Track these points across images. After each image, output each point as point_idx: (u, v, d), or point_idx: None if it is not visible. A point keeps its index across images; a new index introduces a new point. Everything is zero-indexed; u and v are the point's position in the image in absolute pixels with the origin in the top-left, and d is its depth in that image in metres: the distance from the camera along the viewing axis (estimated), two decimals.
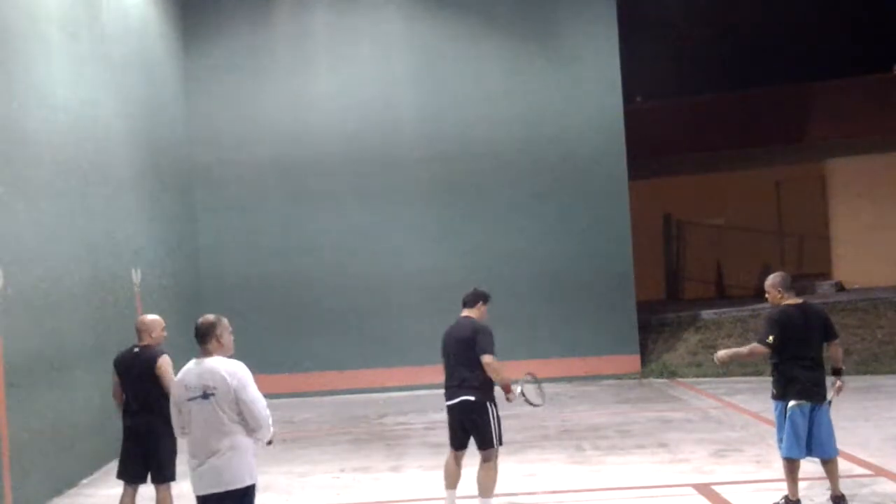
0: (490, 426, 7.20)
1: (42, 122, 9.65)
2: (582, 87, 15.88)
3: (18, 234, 8.88)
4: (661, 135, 20.43)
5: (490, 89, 15.90)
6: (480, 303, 7.51)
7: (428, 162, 15.78)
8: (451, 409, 7.31)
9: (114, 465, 10.45)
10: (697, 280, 21.43)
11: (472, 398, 7.15)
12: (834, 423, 10.49)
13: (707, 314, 17.33)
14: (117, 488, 9.48)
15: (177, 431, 5.44)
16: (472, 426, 7.25)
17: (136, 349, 7.29)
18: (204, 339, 5.37)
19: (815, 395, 7.15)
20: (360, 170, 15.74)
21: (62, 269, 9.79)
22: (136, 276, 12.12)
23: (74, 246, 10.21)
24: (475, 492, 7.49)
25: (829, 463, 7.18)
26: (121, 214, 11.82)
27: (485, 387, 7.19)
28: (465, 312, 7.47)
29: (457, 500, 7.54)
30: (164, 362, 7.10)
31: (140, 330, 7.32)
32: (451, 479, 7.48)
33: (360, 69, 15.92)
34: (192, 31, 15.68)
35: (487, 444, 7.22)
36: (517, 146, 15.79)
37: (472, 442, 7.43)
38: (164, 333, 7.38)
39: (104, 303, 10.91)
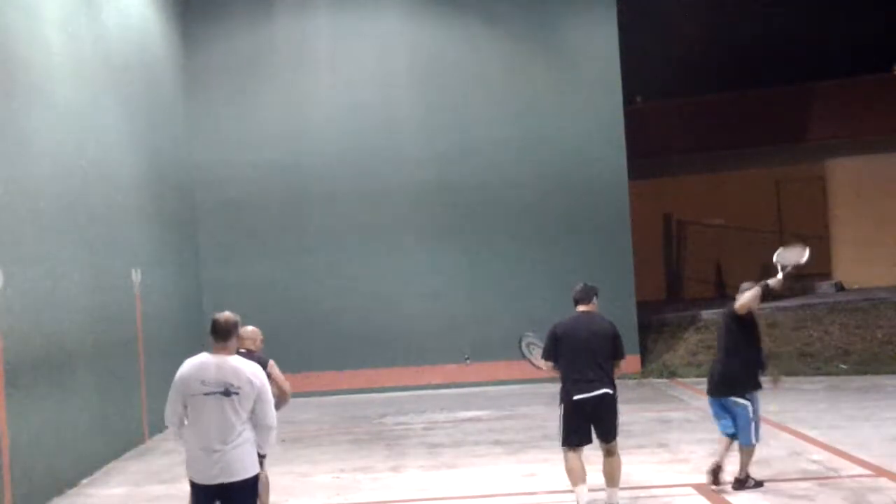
0: (617, 419, 7.37)
1: (42, 122, 9.65)
2: (582, 87, 15.88)
3: (18, 234, 8.88)
4: (661, 135, 20.44)
5: (490, 90, 15.90)
6: (594, 297, 7.73)
7: (427, 162, 15.77)
8: (584, 402, 7.16)
9: (114, 465, 10.50)
10: (697, 280, 21.42)
11: (611, 391, 7.24)
12: (834, 422, 10.55)
13: (707, 314, 17.32)
14: (117, 488, 9.50)
15: (173, 420, 5.55)
16: (603, 418, 7.25)
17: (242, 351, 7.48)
18: (227, 336, 5.54)
19: (716, 390, 7.95)
20: (360, 170, 15.74)
21: (62, 269, 9.79)
22: (136, 276, 12.12)
23: (74, 246, 10.21)
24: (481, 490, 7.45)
25: (742, 450, 7.81)
26: (121, 214, 11.81)
27: (615, 382, 7.35)
28: (583, 308, 7.55)
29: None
30: (273, 364, 7.60)
31: (243, 338, 7.42)
32: (582, 475, 7.29)
33: (360, 70, 15.91)
34: (192, 32, 15.68)
35: (614, 436, 7.33)
36: (517, 146, 15.78)
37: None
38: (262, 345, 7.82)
39: (104, 303, 10.91)
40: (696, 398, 13.18)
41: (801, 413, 11.27)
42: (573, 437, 7.23)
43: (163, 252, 13.50)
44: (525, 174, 15.76)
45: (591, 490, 7.34)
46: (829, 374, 14.22)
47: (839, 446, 9.18)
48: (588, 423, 7.23)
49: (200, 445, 5.45)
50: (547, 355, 7.44)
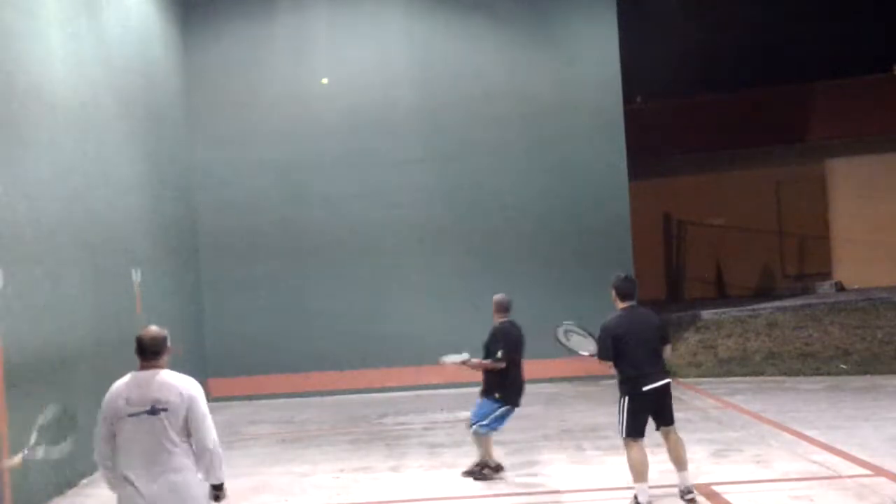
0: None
1: (42, 122, 9.64)
2: (582, 87, 15.88)
3: (18, 234, 8.88)
4: (661, 135, 20.45)
5: (490, 89, 15.89)
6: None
7: (427, 162, 15.78)
8: (650, 392, 7.45)
9: None
10: (697, 280, 21.43)
11: (670, 380, 7.66)
12: (834, 422, 10.58)
13: (707, 314, 17.32)
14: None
15: (104, 456, 4.91)
16: (665, 405, 7.59)
17: None
18: (157, 352, 4.95)
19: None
20: (360, 170, 15.74)
21: (62, 269, 9.79)
22: (136, 276, 12.12)
23: (74, 246, 10.21)
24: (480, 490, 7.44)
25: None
26: (121, 214, 11.82)
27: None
28: (631, 303, 7.76)
29: None
30: None
31: None
32: (647, 469, 7.55)
33: (360, 68, 15.91)
34: (192, 31, 15.68)
35: (673, 419, 7.67)
36: (516, 146, 15.78)
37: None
38: None
39: (104, 303, 10.90)
40: (696, 398, 13.18)
41: (801, 413, 11.27)
42: (639, 427, 7.51)
43: (163, 252, 13.50)
44: (524, 174, 15.75)
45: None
46: (829, 374, 14.21)
47: (839, 446, 9.18)
48: (652, 410, 7.52)
49: (127, 478, 4.78)
50: (606, 354, 7.52)
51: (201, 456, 4.81)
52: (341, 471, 9.65)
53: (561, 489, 8.34)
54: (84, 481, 9.82)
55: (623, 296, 7.72)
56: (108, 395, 4.93)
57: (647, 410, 7.51)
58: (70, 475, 9.60)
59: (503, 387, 8.61)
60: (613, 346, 7.47)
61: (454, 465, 9.66)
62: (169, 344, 5.04)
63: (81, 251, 10.39)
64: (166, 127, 14.36)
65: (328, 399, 14.95)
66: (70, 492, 9.42)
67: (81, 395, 9.95)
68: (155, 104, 13.79)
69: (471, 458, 10.00)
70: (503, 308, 9.05)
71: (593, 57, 15.92)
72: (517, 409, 8.77)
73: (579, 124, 15.78)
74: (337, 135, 15.79)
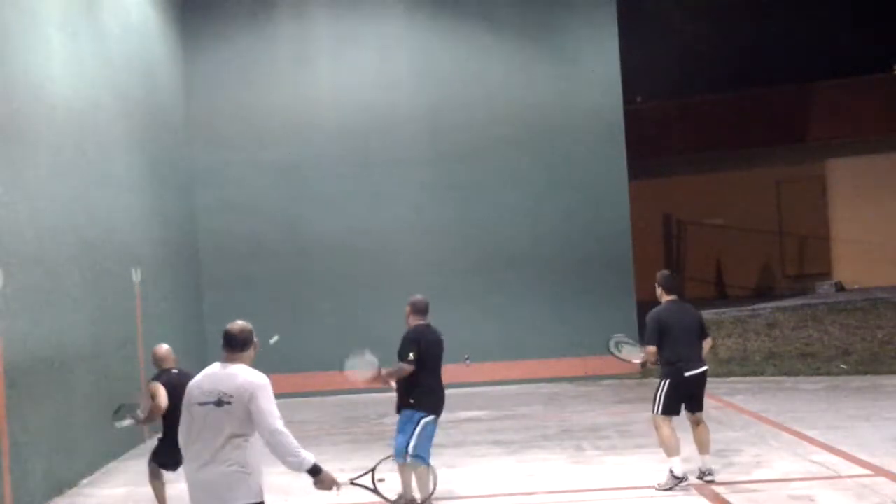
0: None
1: (42, 122, 9.64)
2: (582, 87, 15.88)
3: (18, 234, 8.88)
4: (661, 135, 20.45)
5: (490, 89, 15.89)
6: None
7: (428, 162, 15.77)
8: (691, 378, 8.03)
9: (114, 466, 10.50)
10: (697, 280, 21.43)
11: (707, 367, 8.23)
12: (834, 422, 10.55)
13: (707, 314, 17.29)
14: (117, 488, 9.50)
15: (182, 438, 5.03)
16: (700, 392, 8.18)
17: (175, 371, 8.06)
18: (239, 345, 5.02)
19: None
20: (361, 170, 15.73)
21: (62, 269, 9.79)
22: (136, 276, 12.12)
23: (74, 246, 10.21)
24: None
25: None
26: (121, 214, 11.81)
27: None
28: (674, 296, 8.37)
29: None
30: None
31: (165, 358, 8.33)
32: (678, 445, 8.03)
33: (361, 70, 15.91)
34: (192, 31, 15.67)
35: (703, 406, 8.23)
36: (517, 147, 15.78)
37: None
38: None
39: (104, 303, 10.90)
40: None
41: (800, 413, 11.27)
42: (674, 407, 8.06)
43: (163, 252, 13.50)
44: (525, 174, 15.75)
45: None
46: (829, 374, 14.22)
47: (839, 446, 9.18)
48: (691, 394, 8.08)
49: (188, 466, 4.93)
50: (652, 339, 8.12)
51: (268, 441, 4.85)
52: (341, 471, 9.61)
53: (561, 489, 8.34)
54: (84, 481, 9.83)
55: (668, 290, 8.39)
56: (190, 383, 5.09)
57: (684, 395, 8.03)
58: (70, 475, 9.60)
59: (416, 394, 7.90)
60: (659, 333, 8.07)
61: (454, 465, 9.66)
62: (255, 339, 5.12)
63: (81, 251, 10.38)
64: (167, 127, 14.36)
65: (328, 399, 14.95)
66: (70, 492, 9.41)
67: (81, 395, 9.99)
68: (155, 104, 13.79)
69: (472, 458, 10.02)
70: (420, 310, 8.46)
71: (593, 58, 15.92)
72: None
73: (579, 125, 15.77)
74: (337, 137, 15.78)
